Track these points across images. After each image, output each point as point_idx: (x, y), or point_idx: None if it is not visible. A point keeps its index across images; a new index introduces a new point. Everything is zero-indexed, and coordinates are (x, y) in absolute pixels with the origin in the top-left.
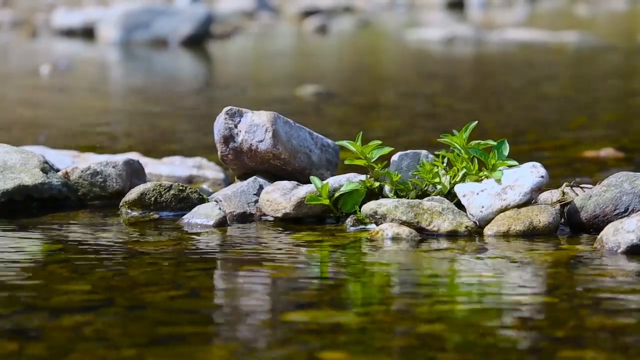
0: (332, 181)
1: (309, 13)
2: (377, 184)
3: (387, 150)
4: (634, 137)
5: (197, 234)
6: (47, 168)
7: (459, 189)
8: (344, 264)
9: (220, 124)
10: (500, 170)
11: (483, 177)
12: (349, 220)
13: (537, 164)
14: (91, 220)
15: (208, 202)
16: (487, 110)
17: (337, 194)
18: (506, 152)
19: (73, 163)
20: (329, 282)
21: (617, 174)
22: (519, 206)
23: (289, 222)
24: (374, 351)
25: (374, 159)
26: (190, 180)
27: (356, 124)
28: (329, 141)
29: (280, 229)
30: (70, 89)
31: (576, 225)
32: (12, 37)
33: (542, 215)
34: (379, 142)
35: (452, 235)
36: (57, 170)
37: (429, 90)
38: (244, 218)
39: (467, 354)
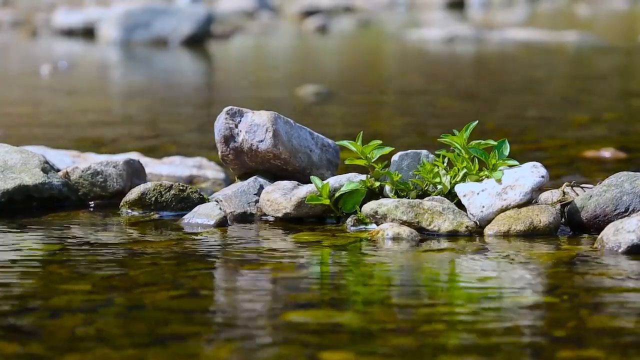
0: (333, 181)
1: (309, 13)
2: (377, 183)
3: (387, 150)
4: (634, 137)
5: (198, 233)
6: (47, 168)
7: (459, 189)
8: (344, 264)
9: (220, 123)
10: (500, 170)
11: (483, 177)
12: (350, 220)
13: (538, 164)
14: (91, 220)
15: (208, 202)
16: (487, 110)
17: (337, 194)
18: (507, 152)
19: (73, 163)
20: (329, 282)
21: (617, 174)
22: (519, 206)
23: (289, 222)
24: (374, 351)
25: (374, 159)
26: (190, 180)
27: (356, 123)
28: (330, 141)
29: (281, 229)
30: (71, 89)
31: (577, 225)
32: (13, 37)
33: (542, 215)
34: (380, 142)
35: (452, 235)
36: (58, 170)
37: (429, 90)
38: (245, 218)
39: (467, 354)
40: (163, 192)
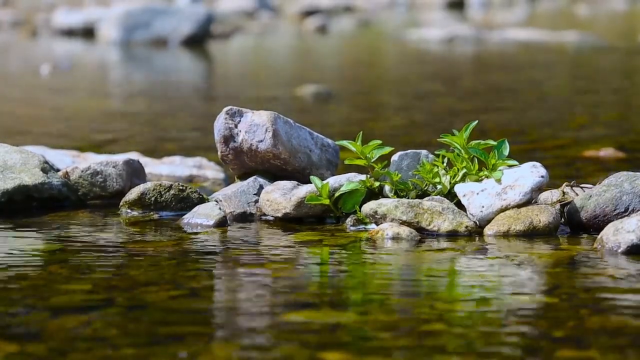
0: (332, 181)
1: (309, 13)
2: (377, 183)
3: (387, 150)
4: (634, 137)
5: (197, 233)
6: (47, 168)
7: (459, 189)
8: (344, 264)
9: (220, 123)
10: (500, 170)
11: (483, 177)
12: (349, 220)
13: (538, 164)
14: (91, 220)
15: (208, 202)
16: (487, 110)
17: (337, 194)
18: (506, 152)
19: (73, 163)
20: (328, 282)
21: (617, 174)
22: (519, 206)
23: (289, 222)
24: (374, 351)
25: (374, 159)
26: (190, 180)
27: (356, 123)
28: (329, 141)
29: (281, 228)
30: (71, 89)
31: (576, 225)
32: (12, 37)
33: (542, 215)
34: (379, 141)
35: (452, 235)
36: (57, 170)
37: (429, 90)
38: (244, 218)
39: (467, 354)
40: (163, 192)
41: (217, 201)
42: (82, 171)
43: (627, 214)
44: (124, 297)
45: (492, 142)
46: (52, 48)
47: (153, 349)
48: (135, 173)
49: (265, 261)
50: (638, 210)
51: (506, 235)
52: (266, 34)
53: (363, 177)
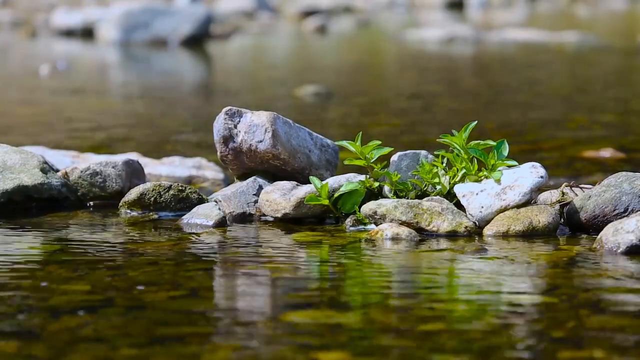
0: (332, 181)
1: (308, 13)
2: (376, 184)
3: (386, 150)
4: (633, 137)
5: (197, 234)
6: (46, 168)
7: (458, 189)
8: (343, 264)
9: (219, 124)
10: (499, 170)
11: (482, 178)
12: (349, 221)
13: (537, 164)
14: (91, 220)
15: (207, 202)
16: (487, 110)
17: (336, 194)
18: (506, 152)
19: (72, 163)
20: (328, 282)
21: (616, 174)
22: (518, 206)
23: (288, 223)
24: (374, 351)
25: (373, 159)
26: (189, 180)
27: (356, 124)
28: (329, 141)
29: (280, 229)
30: (70, 89)
31: (576, 226)
32: (12, 37)
33: (541, 216)
34: (379, 142)
35: (451, 236)
36: (57, 171)
37: (429, 90)
38: (244, 218)
39: (467, 354)
40: (162, 193)
41: (216, 201)
42: (82, 171)
43: (626, 214)
44: (124, 297)
45: (491, 143)
46: (52, 48)
47: (153, 349)
48: (134, 173)
49: (265, 261)
50: (637, 211)
51: (505, 235)
52: (266, 34)
53: (362, 177)
